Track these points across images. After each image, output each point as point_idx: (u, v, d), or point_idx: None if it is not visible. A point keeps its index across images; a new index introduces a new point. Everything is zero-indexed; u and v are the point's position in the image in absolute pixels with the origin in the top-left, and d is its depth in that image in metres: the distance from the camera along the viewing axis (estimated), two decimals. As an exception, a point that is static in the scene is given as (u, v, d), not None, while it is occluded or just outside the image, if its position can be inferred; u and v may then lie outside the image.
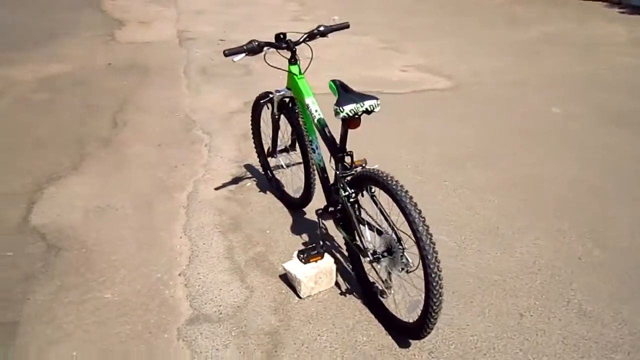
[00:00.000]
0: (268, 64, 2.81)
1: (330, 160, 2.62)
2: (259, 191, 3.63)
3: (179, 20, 8.45)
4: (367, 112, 2.30)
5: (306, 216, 3.33)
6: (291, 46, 2.77)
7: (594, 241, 3.08)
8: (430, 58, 6.35)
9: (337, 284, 2.76)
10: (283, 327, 2.50)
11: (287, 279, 2.74)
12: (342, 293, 2.71)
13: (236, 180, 3.75)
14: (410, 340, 2.40)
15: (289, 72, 2.85)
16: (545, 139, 4.36)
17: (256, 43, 2.67)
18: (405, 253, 2.23)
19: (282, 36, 2.78)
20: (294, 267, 2.66)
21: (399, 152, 4.10)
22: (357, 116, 2.30)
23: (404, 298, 2.53)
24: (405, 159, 4.01)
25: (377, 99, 2.33)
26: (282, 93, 3.00)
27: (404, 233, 2.17)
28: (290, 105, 3.03)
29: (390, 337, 2.43)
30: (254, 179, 3.78)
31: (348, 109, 2.25)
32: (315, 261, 2.69)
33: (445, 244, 3.06)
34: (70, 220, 3.30)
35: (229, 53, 2.63)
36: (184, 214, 3.38)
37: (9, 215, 3.33)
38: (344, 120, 2.33)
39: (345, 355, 2.34)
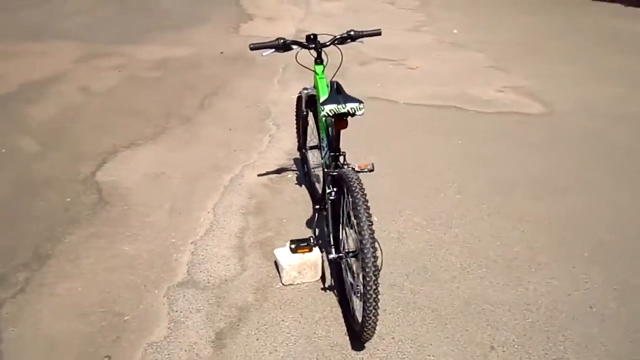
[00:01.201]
0: (298, 63, 2.95)
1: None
2: (296, 183, 3.80)
3: (303, 20, 8.89)
4: (350, 114, 2.36)
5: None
6: (318, 47, 2.89)
7: (618, 293, 2.80)
8: (535, 80, 6.01)
9: (323, 278, 2.84)
10: (255, 306, 2.66)
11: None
12: (323, 288, 2.79)
13: (280, 171, 3.96)
14: (365, 345, 2.42)
15: (314, 71, 2.98)
16: (621, 183, 3.94)
17: (282, 40, 2.84)
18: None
19: (312, 37, 2.91)
20: (282, 254, 2.81)
21: (449, 169, 4.02)
22: (342, 117, 2.36)
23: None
24: (451, 177, 3.91)
25: (361, 102, 2.38)
26: (309, 91, 3.14)
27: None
28: (316, 103, 3.15)
29: (347, 337, 2.48)
30: (297, 171, 3.97)
31: (328, 108, 2.34)
32: (303, 252, 2.80)
33: (450, 264, 2.99)
34: (126, 181, 3.76)
35: (254, 47, 2.83)
36: (220, 192, 3.67)
37: (82, 169, 3.88)
38: (333, 120, 2.42)
39: (297, 343, 2.44)
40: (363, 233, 2.08)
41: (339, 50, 2.90)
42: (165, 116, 4.86)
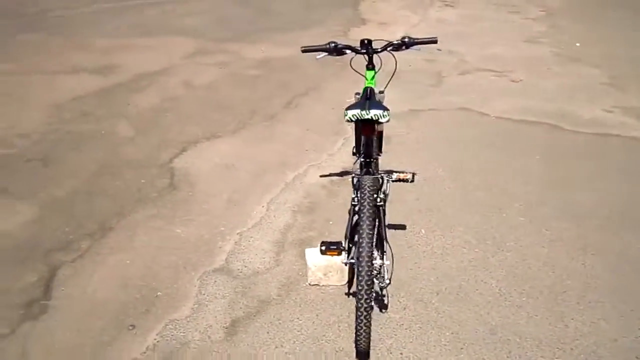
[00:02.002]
0: (352, 68, 2.98)
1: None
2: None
3: (416, 26, 8.78)
4: (373, 121, 2.34)
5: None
6: (369, 52, 2.89)
7: (676, 347, 2.48)
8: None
9: (350, 283, 2.84)
10: (276, 301, 2.74)
11: (308, 264, 2.93)
12: (347, 293, 2.79)
13: (343, 174, 3.99)
14: (370, 355, 2.39)
15: (365, 76, 2.98)
16: None
17: (333, 44, 2.87)
18: (382, 267, 2.27)
19: (366, 42, 2.91)
20: (311, 254, 2.85)
21: (519, 189, 3.78)
22: (366, 123, 2.35)
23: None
24: (520, 197, 3.67)
25: (386, 109, 2.35)
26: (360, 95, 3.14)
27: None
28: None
29: (354, 345, 2.45)
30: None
31: (351, 113, 2.34)
32: (332, 255, 2.81)
33: (489, 287, 2.84)
34: (197, 170, 4.02)
35: (306, 50, 2.89)
36: (280, 189, 3.79)
37: (162, 155, 4.22)
38: (358, 126, 2.42)
39: (304, 342, 2.47)
40: (360, 241, 2.07)
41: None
42: (251, 113, 5.10)
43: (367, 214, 2.12)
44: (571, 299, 2.76)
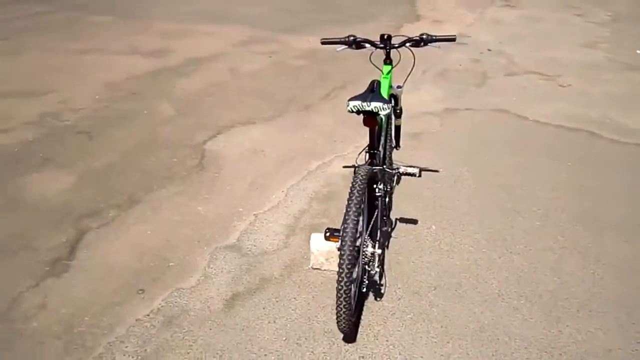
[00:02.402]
0: (371, 62, 3.06)
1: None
2: (373, 180, 3.88)
3: (471, 25, 8.65)
4: (373, 113, 2.41)
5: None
6: (387, 47, 2.95)
7: (672, 364, 2.42)
8: None
9: (349, 271, 2.92)
10: (278, 280, 2.87)
11: (313, 248, 3.04)
12: (345, 279, 2.87)
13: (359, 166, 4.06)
14: (357, 339, 2.48)
15: (381, 70, 3.04)
16: None
17: (352, 37, 2.95)
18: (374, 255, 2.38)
19: (385, 37, 2.98)
20: (316, 239, 2.95)
21: (543, 194, 3.72)
22: (368, 115, 2.42)
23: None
24: (541, 202, 3.62)
25: (387, 102, 2.41)
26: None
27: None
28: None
29: (343, 328, 2.55)
30: (381, 169, 4.03)
31: (352, 104, 2.41)
32: (334, 241, 2.90)
33: (489, 287, 2.86)
34: (227, 153, 4.20)
35: (325, 42, 2.99)
36: (302, 176, 3.91)
37: (197, 137, 4.43)
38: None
39: (296, 320, 2.59)
40: (345, 227, 2.15)
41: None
42: (289, 101, 5.24)
43: (355, 201, 2.20)
44: (572, 307, 2.73)
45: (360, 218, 2.49)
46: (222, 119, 4.79)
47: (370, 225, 2.54)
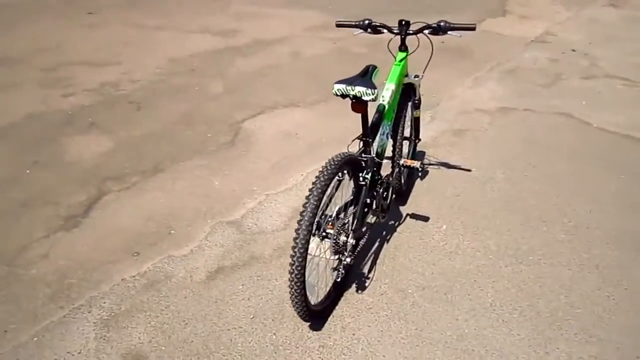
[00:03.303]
0: (389, 50, 2.96)
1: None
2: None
3: (561, 23, 8.05)
4: (357, 98, 2.32)
5: (401, 207, 3.35)
6: (402, 33, 2.83)
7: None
8: None
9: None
10: (265, 259, 2.87)
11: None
12: (334, 268, 2.82)
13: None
14: (323, 327, 2.44)
15: (395, 57, 2.92)
16: None
17: (367, 21, 2.86)
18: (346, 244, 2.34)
19: (403, 22, 2.86)
20: (310, 224, 2.91)
21: (580, 207, 3.40)
22: (355, 100, 2.34)
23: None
24: (574, 216, 3.32)
25: (373, 88, 2.30)
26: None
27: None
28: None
29: (313, 315, 2.51)
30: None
31: (337, 87, 2.34)
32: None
33: (483, 295, 2.68)
34: (261, 133, 4.26)
35: (340, 24, 2.93)
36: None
37: (237, 115, 4.53)
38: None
39: (270, 301, 2.59)
40: (303, 210, 2.10)
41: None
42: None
43: (317, 186, 2.14)
44: (570, 329, 2.49)
45: (339, 207, 2.43)
46: (267, 100, 4.84)
47: (352, 214, 2.46)
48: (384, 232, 3.11)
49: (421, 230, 3.14)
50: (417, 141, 3.49)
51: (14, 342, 2.34)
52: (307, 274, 2.43)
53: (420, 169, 2.94)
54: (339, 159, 2.26)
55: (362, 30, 2.92)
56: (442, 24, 2.75)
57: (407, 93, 3.08)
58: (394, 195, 2.98)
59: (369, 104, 2.35)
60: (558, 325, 2.51)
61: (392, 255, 2.92)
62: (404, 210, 3.34)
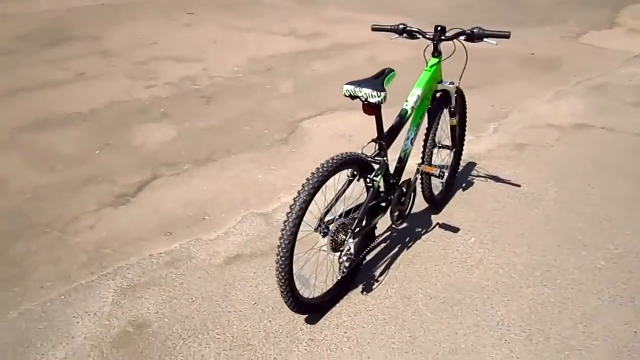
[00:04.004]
0: (424, 56, 2.95)
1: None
2: (439, 182, 3.69)
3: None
4: (364, 100, 2.35)
5: (423, 209, 3.30)
6: (435, 38, 2.80)
7: None
8: None
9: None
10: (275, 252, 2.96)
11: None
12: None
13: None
14: (317, 321, 2.50)
15: (427, 61, 2.90)
16: None
17: (402, 26, 2.87)
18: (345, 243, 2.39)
19: (439, 28, 2.83)
20: (329, 222, 2.97)
21: (620, 229, 3.14)
22: (366, 102, 2.37)
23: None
24: (614, 238, 3.07)
25: (381, 91, 2.32)
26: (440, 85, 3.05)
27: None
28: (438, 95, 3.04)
29: (311, 309, 2.57)
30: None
31: (345, 88, 2.38)
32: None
33: (492, 313, 2.58)
34: (317, 132, 4.38)
35: (375, 28, 2.96)
36: (371, 165, 3.89)
37: (297, 114, 4.68)
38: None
39: (274, 292, 2.67)
40: (293, 202, 2.18)
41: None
42: (405, 94, 5.15)
43: (312, 180, 2.21)
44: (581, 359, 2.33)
45: (337, 204, 2.46)
46: (331, 102, 4.94)
47: (358, 214, 2.49)
48: (407, 239, 3.08)
49: (447, 240, 3.07)
50: (456, 150, 3.40)
51: (46, 297, 2.63)
52: (304, 267, 2.50)
53: (440, 177, 2.88)
54: (341, 157, 2.30)
55: (397, 35, 2.92)
56: (475, 30, 2.69)
57: (442, 100, 3.02)
58: (413, 202, 2.94)
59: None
60: (567, 354, 2.35)
61: (408, 262, 2.89)
62: (436, 218, 3.28)
